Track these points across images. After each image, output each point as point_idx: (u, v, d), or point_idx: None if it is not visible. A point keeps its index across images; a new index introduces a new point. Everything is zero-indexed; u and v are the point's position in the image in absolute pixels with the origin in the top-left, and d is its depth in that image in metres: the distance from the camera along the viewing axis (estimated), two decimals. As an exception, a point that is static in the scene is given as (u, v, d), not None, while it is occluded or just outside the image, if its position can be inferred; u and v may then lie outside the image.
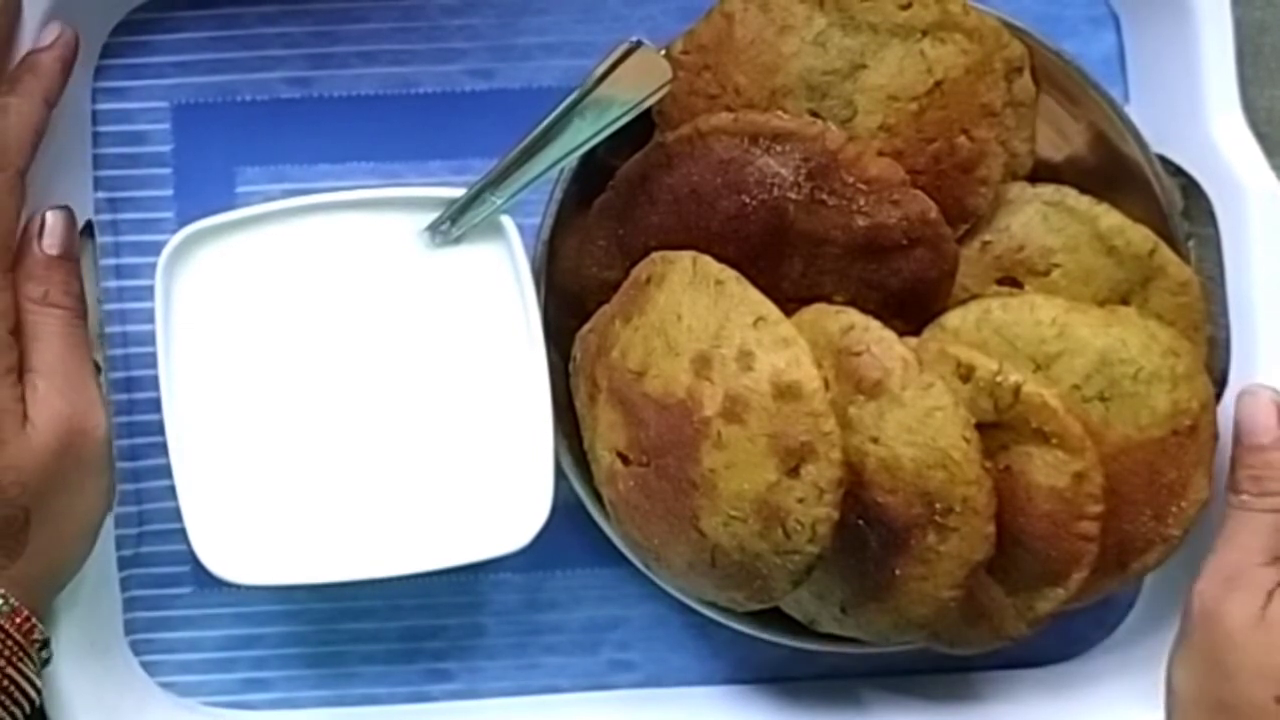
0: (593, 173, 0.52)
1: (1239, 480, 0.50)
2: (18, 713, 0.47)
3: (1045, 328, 0.49)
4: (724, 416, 0.47)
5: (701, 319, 0.48)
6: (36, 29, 0.52)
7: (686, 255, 0.49)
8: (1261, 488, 0.49)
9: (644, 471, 0.49)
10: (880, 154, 0.48)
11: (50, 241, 0.50)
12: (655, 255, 0.50)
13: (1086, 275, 0.50)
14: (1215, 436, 0.50)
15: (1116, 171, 0.53)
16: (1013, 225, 0.51)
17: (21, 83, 0.50)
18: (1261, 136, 0.54)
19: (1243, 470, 0.50)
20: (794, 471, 0.46)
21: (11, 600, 0.48)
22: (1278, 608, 0.47)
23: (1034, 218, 0.51)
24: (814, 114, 0.49)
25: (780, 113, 0.49)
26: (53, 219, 0.50)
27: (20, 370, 0.48)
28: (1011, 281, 0.51)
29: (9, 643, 0.47)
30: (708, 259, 0.49)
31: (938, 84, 0.49)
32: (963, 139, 0.49)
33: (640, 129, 0.50)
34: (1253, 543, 0.49)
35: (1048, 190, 0.51)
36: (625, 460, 0.50)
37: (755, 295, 0.48)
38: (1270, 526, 0.49)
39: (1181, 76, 0.54)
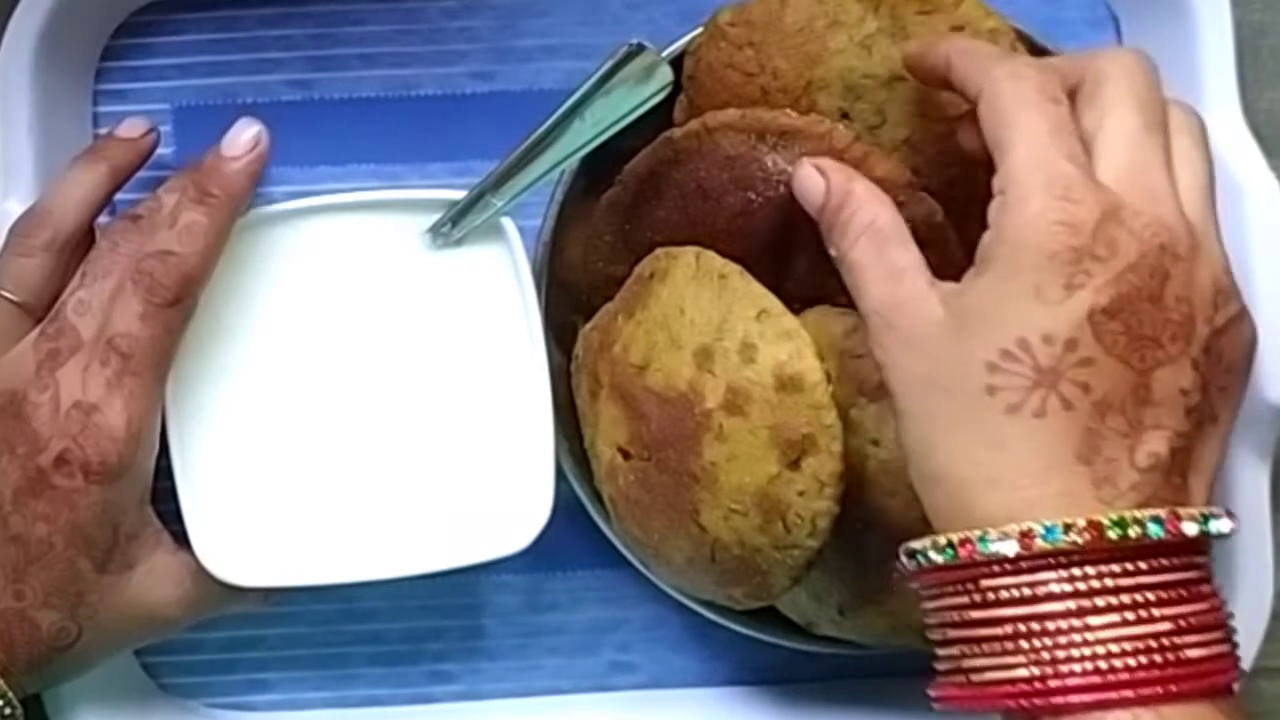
0: (602, 163, 0.52)
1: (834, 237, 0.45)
2: None
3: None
4: (725, 409, 0.47)
5: (704, 312, 0.48)
6: (36, 29, 0.52)
7: (690, 250, 0.49)
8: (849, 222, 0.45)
9: (645, 466, 0.49)
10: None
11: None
12: (659, 251, 0.50)
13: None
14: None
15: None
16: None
17: (212, 198, 0.49)
18: (1261, 138, 0.54)
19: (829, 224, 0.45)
20: (795, 464, 0.46)
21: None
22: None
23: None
24: (844, 114, 0.49)
25: (789, 111, 0.49)
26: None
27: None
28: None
29: None
30: (711, 254, 0.49)
31: (971, 111, 0.48)
32: (982, 174, 0.49)
33: (654, 122, 0.50)
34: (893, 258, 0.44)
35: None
36: (626, 455, 0.50)
37: (758, 289, 0.48)
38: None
39: (1181, 78, 0.54)
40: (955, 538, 0.40)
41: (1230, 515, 0.40)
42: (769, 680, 0.57)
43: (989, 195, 0.41)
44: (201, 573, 0.50)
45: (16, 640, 0.48)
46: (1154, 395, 0.39)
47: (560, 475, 0.51)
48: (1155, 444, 0.39)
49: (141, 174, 0.53)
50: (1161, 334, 0.39)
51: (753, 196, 0.49)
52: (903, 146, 0.49)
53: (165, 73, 0.56)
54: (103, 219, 0.52)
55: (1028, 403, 0.39)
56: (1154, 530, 0.39)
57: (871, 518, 0.48)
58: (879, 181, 0.47)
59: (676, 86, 0.50)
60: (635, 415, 0.49)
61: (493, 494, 0.51)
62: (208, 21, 0.56)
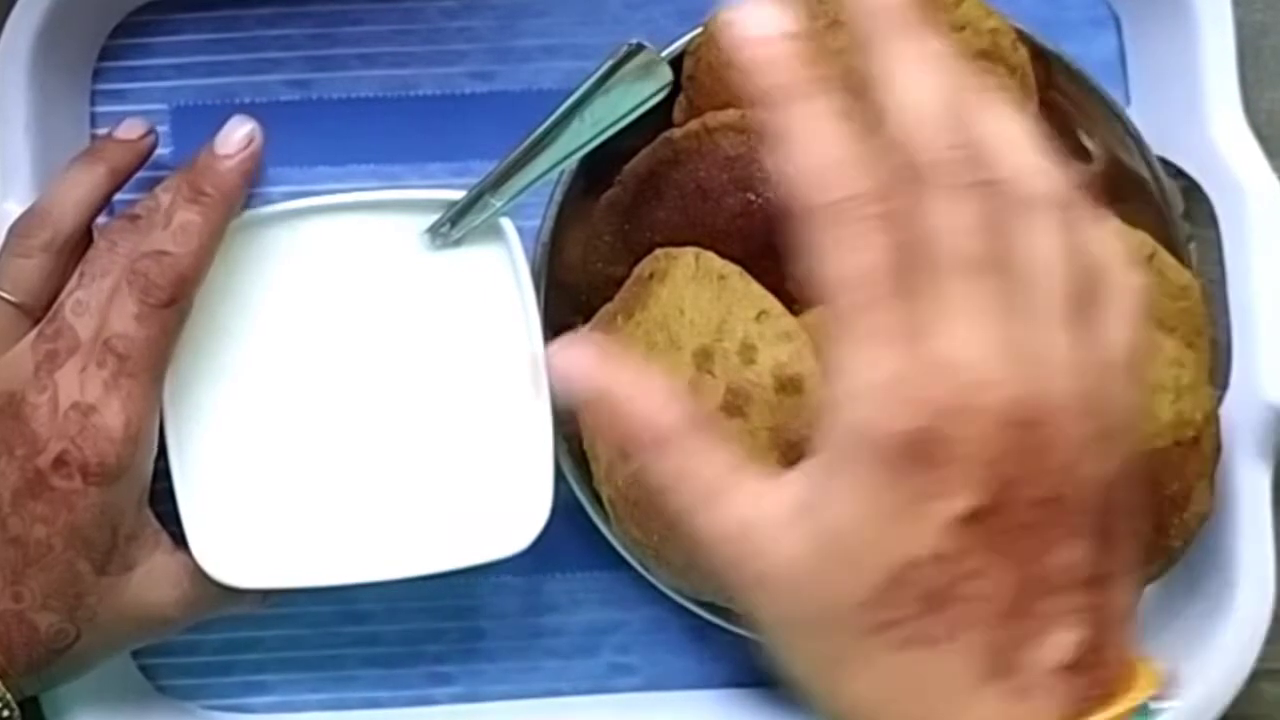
0: (601, 163, 0.52)
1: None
2: None
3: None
4: (725, 409, 0.47)
5: (704, 313, 0.48)
6: (33, 28, 0.52)
7: (689, 251, 0.49)
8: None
9: (644, 467, 0.49)
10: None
11: None
12: (658, 251, 0.50)
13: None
14: (1219, 449, 0.50)
15: (1117, 174, 0.53)
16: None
17: (206, 197, 0.49)
18: (1263, 138, 0.54)
19: None
20: (795, 466, 0.46)
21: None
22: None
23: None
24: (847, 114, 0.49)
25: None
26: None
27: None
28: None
29: None
30: (711, 254, 0.49)
31: None
32: None
33: (654, 122, 0.50)
34: None
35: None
36: (626, 456, 0.50)
37: (758, 289, 0.48)
38: None
39: (1182, 78, 0.54)
40: None
41: (1169, 687, 0.35)
42: (769, 681, 0.57)
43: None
44: (200, 574, 0.50)
45: (15, 642, 0.47)
46: (1047, 584, 0.34)
47: (559, 476, 0.51)
48: (1064, 633, 0.34)
49: (140, 174, 0.53)
50: (1039, 517, 0.34)
51: (752, 197, 0.49)
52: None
53: (163, 73, 0.56)
54: (101, 219, 0.52)
55: (920, 634, 0.34)
56: None
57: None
58: None
59: (676, 86, 0.50)
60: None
61: (492, 495, 0.51)
62: (206, 21, 0.56)
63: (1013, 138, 0.35)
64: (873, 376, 0.34)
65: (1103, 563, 0.35)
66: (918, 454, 0.33)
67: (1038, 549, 0.34)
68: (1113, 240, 0.36)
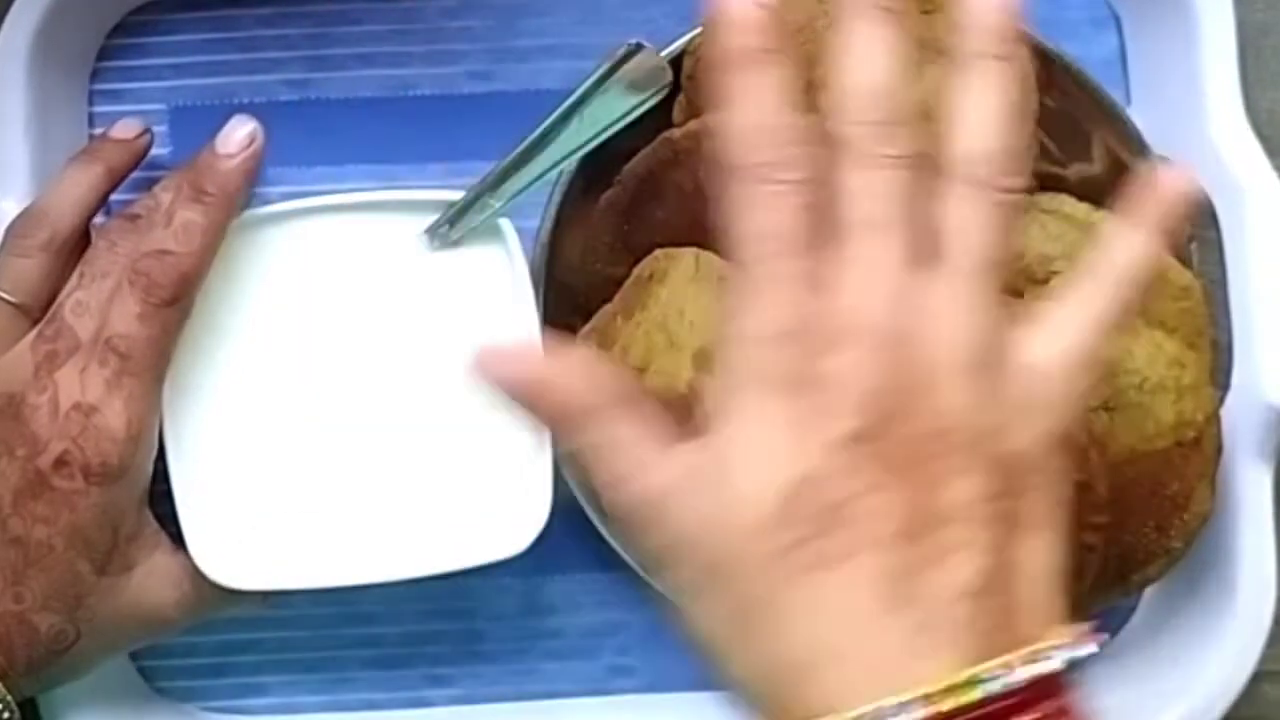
0: (601, 163, 0.52)
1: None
2: None
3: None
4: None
5: (704, 314, 0.48)
6: (32, 28, 0.52)
7: (689, 252, 0.49)
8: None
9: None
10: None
11: None
12: (658, 252, 0.50)
13: (1086, 282, 0.50)
14: (1219, 449, 0.50)
15: (1117, 174, 0.53)
16: (1010, 234, 0.51)
17: (208, 197, 0.49)
18: (1264, 138, 0.54)
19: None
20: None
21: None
22: None
23: (1031, 226, 0.50)
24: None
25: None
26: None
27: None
28: (1011, 290, 0.50)
29: None
30: (711, 255, 0.49)
31: None
32: None
33: (653, 122, 0.50)
34: None
35: (1044, 198, 0.51)
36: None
37: (758, 290, 0.47)
38: None
39: (1183, 78, 0.54)
40: None
41: (1096, 631, 0.36)
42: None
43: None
44: (199, 575, 0.50)
45: (15, 643, 0.47)
46: (945, 513, 0.35)
47: (559, 477, 0.51)
48: (965, 566, 0.34)
49: (137, 174, 0.53)
50: (932, 448, 0.35)
51: (752, 197, 0.49)
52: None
53: (161, 73, 0.56)
54: (98, 219, 0.52)
55: (822, 554, 0.34)
56: (992, 687, 0.33)
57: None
58: None
59: (676, 86, 0.50)
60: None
61: (490, 496, 0.51)
62: (204, 21, 0.56)
63: (979, 115, 0.38)
64: (763, 318, 0.36)
65: (1006, 510, 0.35)
66: (800, 382, 0.35)
67: (929, 480, 0.35)
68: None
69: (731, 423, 0.36)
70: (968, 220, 0.37)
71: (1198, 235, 0.54)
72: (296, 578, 0.51)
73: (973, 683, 0.33)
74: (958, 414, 0.35)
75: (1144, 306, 0.50)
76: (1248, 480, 0.53)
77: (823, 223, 0.36)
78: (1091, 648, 0.35)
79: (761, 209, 0.36)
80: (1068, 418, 0.37)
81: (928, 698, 0.33)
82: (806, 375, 0.35)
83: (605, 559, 0.54)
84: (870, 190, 0.36)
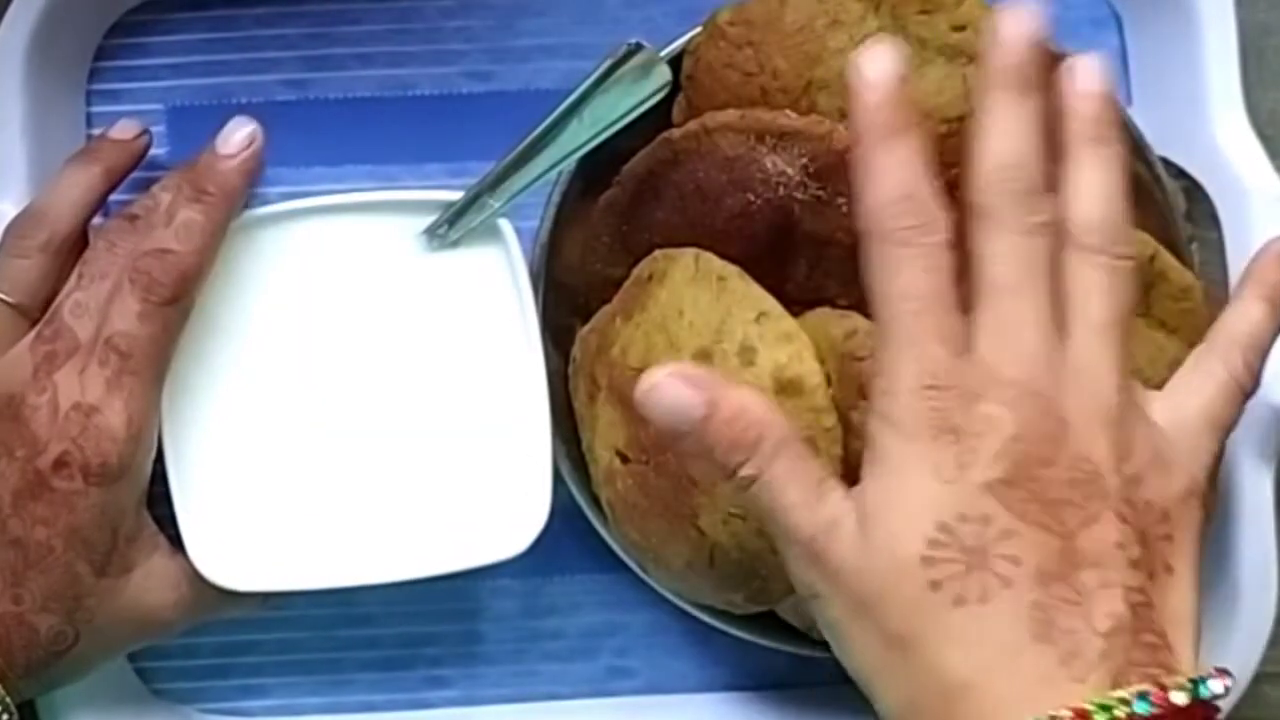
0: (600, 164, 0.51)
1: (733, 457, 0.41)
2: None
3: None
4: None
5: (703, 315, 0.48)
6: (29, 28, 0.52)
7: (689, 252, 0.49)
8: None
9: (643, 469, 0.49)
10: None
11: None
12: (657, 252, 0.50)
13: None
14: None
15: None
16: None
17: (208, 197, 0.49)
18: (1265, 139, 0.54)
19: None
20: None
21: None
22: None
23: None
24: (844, 114, 0.48)
25: (788, 111, 0.48)
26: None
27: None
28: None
29: None
30: (710, 255, 0.49)
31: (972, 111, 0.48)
32: None
33: (653, 122, 0.50)
34: None
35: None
36: (624, 459, 0.50)
37: (757, 291, 0.47)
38: None
39: (1184, 79, 0.54)
40: None
41: (1225, 673, 0.38)
42: (768, 685, 0.57)
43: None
44: (198, 576, 0.50)
45: (14, 645, 0.47)
46: (1088, 556, 0.38)
47: (558, 479, 0.51)
48: (1110, 603, 0.37)
49: (136, 175, 0.53)
50: (1071, 495, 0.38)
51: (752, 198, 0.49)
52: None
53: (159, 73, 0.56)
54: (96, 220, 0.52)
55: (970, 589, 0.37)
56: (1141, 708, 0.36)
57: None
58: None
59: (675, 86, 0.50)
60: (633, 418, 0.49)
61: (490, 498, 0.51)
62: (202, 21, 0.56)
63: (1093, 191, 0.41)
64: (911, 370, 0.39)
65: (1146, 555, 0.38)
66: (948, 430, 0.38)
67: (1070, 524, 0.38)
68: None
69: (886, 467, 0.39)
70: (1091, 283, 0.40)
71: (1199, 236, 0.54)
72: (296, 579, 0.50)
73: (1124, 702, 0.36)
74: (1096, 463, 0.39)
75: (1144, 306, 0.50)
76: (1248, 480, 0.53)
77: (959, 284, 0.40)
78: (1225, 685, 0.37)
79: (906, 271, 0.39)
80: (1198, 473, 0.41)
81: (1080, 714, 0.35)
82: (954, 424, 0.38)
83: (605, 560, 0.54)
84: (1009, 255, 0.40)
